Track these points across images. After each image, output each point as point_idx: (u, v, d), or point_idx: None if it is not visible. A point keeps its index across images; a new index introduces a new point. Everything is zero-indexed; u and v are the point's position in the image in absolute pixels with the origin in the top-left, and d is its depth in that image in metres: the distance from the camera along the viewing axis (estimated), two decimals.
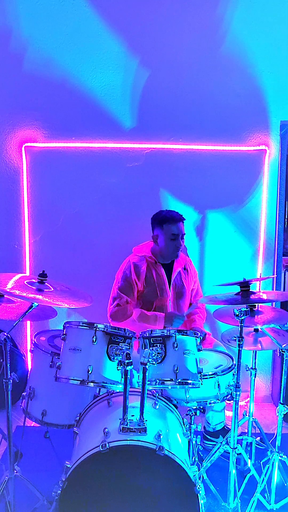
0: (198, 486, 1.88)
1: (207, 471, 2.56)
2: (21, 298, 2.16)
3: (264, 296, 2.44)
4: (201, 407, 2.36)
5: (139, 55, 3.38)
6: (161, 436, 1.92)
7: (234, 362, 2.40)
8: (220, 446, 2.55)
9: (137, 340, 2.23)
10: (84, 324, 2.18)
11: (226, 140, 3.48)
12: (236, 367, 2.32)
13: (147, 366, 1.97)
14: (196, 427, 2.40)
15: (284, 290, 3.60)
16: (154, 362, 2.13)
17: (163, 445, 1.86)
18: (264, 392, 3.72)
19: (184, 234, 3.05)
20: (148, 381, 2.03)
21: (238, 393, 2.32)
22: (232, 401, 2.36)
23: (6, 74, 3.40)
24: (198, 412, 2.36)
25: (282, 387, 2.53)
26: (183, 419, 2.30)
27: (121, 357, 2.06)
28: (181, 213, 3.11)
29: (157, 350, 2.14)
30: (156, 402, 2.22)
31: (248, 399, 2.95)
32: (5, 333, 2.09)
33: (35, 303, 2.13)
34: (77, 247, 3.55)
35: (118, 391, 2.19)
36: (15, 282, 2.26)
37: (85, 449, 1.91)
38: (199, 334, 2.24)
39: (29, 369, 2.61)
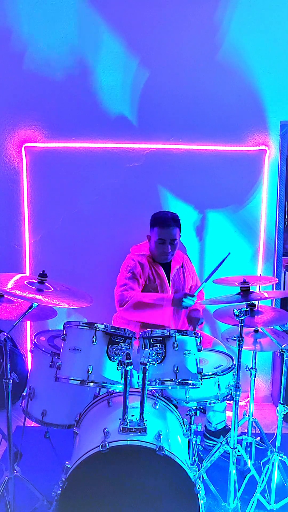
0: (198, 486, 1.88)
1: (207, 471, 2.56)
2: (21, 298, 2.16)
3: (266, 295, 2.44)
4: (201, 407, 2.36)
5: (139, 55, 3.38)
6: (161, 436, 1.92)
7: (234, 362, 2.40)
8: (220, 446, 2.55)
9: (137, 340, 2.23)
10: (84, 324, 2.18)
11: (226, 140, 3.48)
12: (236, 367, 2.33)
13: (147, 366, 1.97)
14: (196, 427, 2.40)
15: (284, 289, 3.60)
16: (154, 362, 2.13)
17: (163, 445, 1.87)
18: (264, 392, 3.72)
19: (176, 239, 3.00)
20: (148, 381, 2.03)
21: (238, 393, 2.32)
22: (232, 401, 2.36)
23: (7, 74, 3.40)
24: (198, 412, 2.37)
25: (282, 387, 2.53)
26: (183, 419, 2.30)
27: (121, 357, 2.06)
28: (181, 213, 3.11)
29: (157, 350, 2.14)
30: (156, 402, 2.22)
31: (248, 399, 2.95)
32: (5, 333, 2.09)
33: (35, 303, 2.13)
34: (77, 247, 3.55)
35: (118, 391, 2.19)
36: (15, 282, 2.26)
37: (85, 449, 1.91)
38: (199, 334, 2.24)
39: (29, 369, 2.61)
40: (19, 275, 2.39)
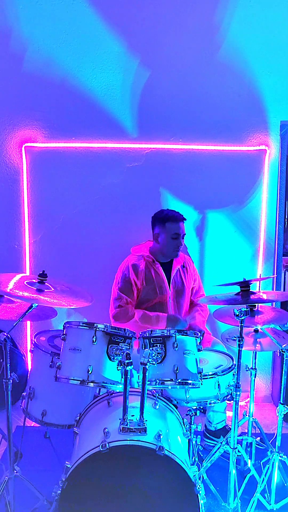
0: (198, 486, 1.88)
1: (207, 471, 2.56)
2: (21, 299, 2.16)
3: (264, 296, 2.44)
4: (201, 407, 2.36)
5: (139, 55, 3.38)
6: (161, 436, 1.92)
7: (234, 362, 2.40)
8: (220, 446, 2.55)
9: (137, 340, 2.23)
10: (84, 324, 2.18)
11: (226, 140, 3.48)
12: (236, 367, 2.33)
13: (147, 366, 1.97)
14: (196, 427, 2.40)
15: (284, 290, 3.60)
16: (154, 362, 2.13)
17: (163, 445, 1.86)
18: (264, 392, 3.72)
19: (185, 234, 3.07)
20: (148, 381, 2.03)
21: (238, 393, 2.32)
22: (232, 401, 2.36)
23: (6, 74, 3.40)
24: (198, 412, 2.36)
25: (282, 387, 2.53)
26: (183, 419, 2.30)
27: (121, 357, 2.06)
28: (181, 213, 3.11)
29: (157, 350, 2.14)
30: (156, 402, 2.22)
31: (248, 399, 2.95)
32: (5, 333, 2.09)
33: (35, 303, 2.13)
34: (77, 247, 3.55)
35: (118, 391, 2.19)
36: (16, 283, 2.26)
37: (85, 449, 1.91)
38: (199, 334, 2.24)
39: (29, 369, 2.61)
40: (19, 275, 2.39)
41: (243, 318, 2.24)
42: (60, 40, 3.36)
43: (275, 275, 3.56)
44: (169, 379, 2.11)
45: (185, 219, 3.08)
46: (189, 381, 2.13)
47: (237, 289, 2.41)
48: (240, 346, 2.29)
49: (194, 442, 2.38)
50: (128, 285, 3.02)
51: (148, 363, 1.98)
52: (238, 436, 2.39)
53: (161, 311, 3.03)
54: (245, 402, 3.48)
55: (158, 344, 2.15)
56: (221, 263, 3.59)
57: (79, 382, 2.11)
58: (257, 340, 2.65)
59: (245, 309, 2.24)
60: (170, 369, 2.12)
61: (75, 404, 2.35)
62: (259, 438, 2.87)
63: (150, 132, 3.46)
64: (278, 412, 2.53)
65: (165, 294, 3.04)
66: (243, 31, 3.38)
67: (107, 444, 1.84)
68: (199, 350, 2.22)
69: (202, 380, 2.19)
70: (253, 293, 2.40)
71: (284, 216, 3.56)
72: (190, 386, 2.14)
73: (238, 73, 3.42)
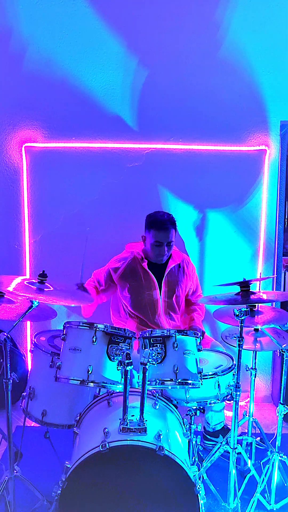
0: (198, 486, 1.88)
1: (207, 471, 2.56)
2: (22, 295, 2.16)
3: (264, 296, 2.44)
4: (201, 407, 2.36)
5: (139, 55, 3.38)
6: (161, 436, 1.92)
7: (234, 362, 2.40)
8: (220, 446, 2.55)
9: (137, 340, 2.23)
10: (84, 324, 2.18)
11: (226, 140, 3.48)
12: (236, 367, 2.33)
13: (147, 366, 1.97)
14: (196, 427, 2.40)
15: (284, 290, 3.60)
16: (154, 362, 2.13)
17: (163, 445, 1.87)
18: (264, 392, 3.72)
19: (172, 241, 2.98)
20: (148, 381, 2.03)
21: (238, 393, 2.32)
22: (232, 401, 2.36)
23: (6, 74, 3.40)
24: (198, 412, 2.36)
25: (282, 387, 2.53)
26: (183, 419, 2.30)
27: (121, 357, 2.06)
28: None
29: (157, 350, 2.14)
30: (156, 402, 2.22)
31: (248, 399, 2.95)
32: (5, 333, 2.09)
33: (36, 302, 2.13)
34: (77, 247, 3.54)
35: (118, 391, 2.19)
36: (16, 284, 2.26)
37: (85, 449, 1.91)
38: (199, 334, 2.24)
39: (29, 369, 2.62)
40: (20, 278, 2.39)
41: (243, 318, 2.24)
42: (60, 40, 3.36)
43: (275, 275, 3.56)
44: (169, 379, 2.11)
45: (173, 227, 2.96)
46: (189, 381, 2.13)
47: (237, 289, 2.41)
48: (240, 346, 2.29)
49: (194, 442, 2.38)
50: (103, 271, 3.15)
51: (148, 363, 1.99)
52: (238, 436, 2.39)
53: (152, 309, 3.03)
54: (245, 402, 3.48)
55: (158, 344, 2.15)
56: (221, 263, 3.59)
57: (79, 382, 2.11)
58: (257, 339, 2.65)
59: (245, 309, 2.24)
60: (170, 369, 2.12)
61: (75, 404, 2.35)
62: (259, 438, 2.87)
63: (150, 132, 3.46)
64: (278, 412, 2.53)
65: (154, 292, 3.04)
66: (243, 31, 3.38)
67: (107, 444, 1.84)
68: (199, 350, 2.22)
69: (202, 380, 2.19)
70: (253, 293, 2.39)
71: (284, 216, 3.57)
72: (190, 386, 2.14)
73: (239, 73, 3.42)
